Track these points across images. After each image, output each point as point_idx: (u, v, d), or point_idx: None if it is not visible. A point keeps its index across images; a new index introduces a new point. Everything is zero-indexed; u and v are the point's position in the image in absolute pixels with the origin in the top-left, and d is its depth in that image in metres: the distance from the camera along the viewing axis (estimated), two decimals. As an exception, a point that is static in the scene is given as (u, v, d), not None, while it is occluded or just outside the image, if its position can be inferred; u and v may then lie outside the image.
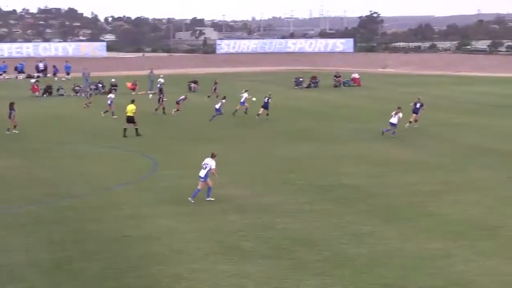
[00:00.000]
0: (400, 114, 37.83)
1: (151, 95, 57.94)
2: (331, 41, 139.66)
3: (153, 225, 20.82)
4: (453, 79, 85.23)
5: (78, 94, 62.32)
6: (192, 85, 66.82)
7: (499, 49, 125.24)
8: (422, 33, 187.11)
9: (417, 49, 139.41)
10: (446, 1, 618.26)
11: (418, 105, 41.46)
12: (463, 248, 18.27)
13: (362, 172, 28.41)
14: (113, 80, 64.05)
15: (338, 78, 75.13)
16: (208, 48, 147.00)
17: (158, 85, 58.83)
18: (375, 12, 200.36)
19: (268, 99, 45.21)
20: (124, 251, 18.49)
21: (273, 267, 17.05)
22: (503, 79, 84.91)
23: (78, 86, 64.27)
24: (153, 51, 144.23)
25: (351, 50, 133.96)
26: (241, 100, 46.79)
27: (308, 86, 72.60)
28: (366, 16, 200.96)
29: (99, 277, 16.65)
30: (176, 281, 16.32)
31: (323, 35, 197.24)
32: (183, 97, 48.39)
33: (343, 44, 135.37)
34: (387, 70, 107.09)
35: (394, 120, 37.58)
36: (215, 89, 58.19)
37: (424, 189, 25.15)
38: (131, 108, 38.40)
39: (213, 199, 23.59)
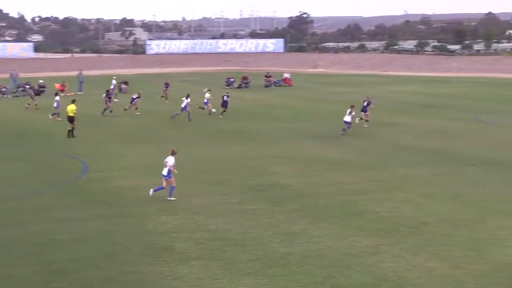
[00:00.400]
0: (353, 113, 38.80)
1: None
2: (261, 41, 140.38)
3: (83, 228, 20.52)
4: (382, 78, 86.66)
5: (5, 96, 61.08)
6: (123, 86, 66.19)
7: (425, 49, 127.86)
8: (351, 33, 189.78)
9: (347, 49, 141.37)
10: (374, 2, 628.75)
11: (365, 103, 42.47)
12: (392, 245, 18.59)
13: (293, 172, 28.60)
14: (41, 81, 62.96)
15: (269, 78, 75.46)
16: (138, 49, 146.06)
17: (112, 86, 58.49)
18: (305, 13, 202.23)
19: (227, 98, 46.57)
20: (53, 255, 18.17)
21: (206, 268, 17.02)
22: (429, 78, 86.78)
23: (4, 87, 62.92)
24: (82, 51, 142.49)
25: (282, 50, 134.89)
26: (204, 101, 47.09)
27: (239, 86, 72.70)
28: (296, 16, 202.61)
29: (26, 282, 16.32)
30: (107, 284, 16.14)
31: (253, 35, 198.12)
32: (135, 95, 47.89)
33: (273, 44, 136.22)
34: (317, 70, 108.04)
35: (348, 118, 38.38)
36: (166, 89, 58.42)
37: (354, 188, 25.48)
38: (71, 108, 37.97)
39: (174, 198, 23.57)
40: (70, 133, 37.45)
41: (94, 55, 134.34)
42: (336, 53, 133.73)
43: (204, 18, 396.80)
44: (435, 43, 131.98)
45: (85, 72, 67.77)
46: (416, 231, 19.88)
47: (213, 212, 22.20)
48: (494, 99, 58.82)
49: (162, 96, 57.54)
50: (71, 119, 37.70)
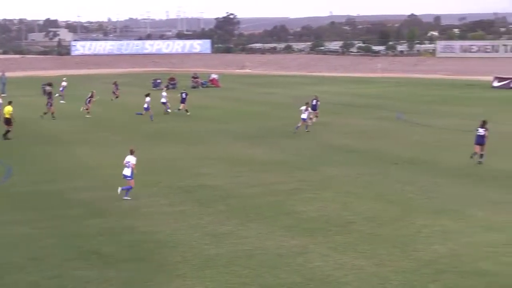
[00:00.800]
0: (310, 109, 40.70)
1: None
2: (188, 42, 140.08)
3: (8, 233, 20.13)
4: (308, 79, 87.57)
5: None
6: (47, 87, 65.02)
7: (351, 50, 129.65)
8: (278, 34, 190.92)
9: (273, 50, 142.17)
10: (300, 3, 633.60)
11: (314, 102, 44.22)
12: (319, 244, 18.82)
13: (222, 173, 28.66)
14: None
15: (196, 79, 75.40)
16: (63, 50, 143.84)
17: (61, 89, 57.91)
18: (232, 14, 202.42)
19: (186, 95, 49.15)
20: (-23, 261, 17.76)
21: (135, 270, 16.91)
22: (354, 79, 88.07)
23: None
24: (4, 52, 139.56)
25: (209, 51, 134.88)
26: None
27: (166, 88, 72.37)
28: (223, 17, 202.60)
29: (-50, 289, 15.95)
30: (33, 289, 15.88)
31: (180, 36, 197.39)
32: (90, 95, 47.43)
33: (200, 45, 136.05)
34: (244, 71, 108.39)
35: (304, 115, 39.82)
36: (116, 89, 59.04)
37: (283, 188, 25.67)
38: (8, 110, 37.90)
39: (129, 198, 23.53)
40: (4, 135, 36.83)
41: (17, 56, 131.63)
42: (263, 54, 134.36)
43: (130, 19, 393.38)
44: (360, 44, 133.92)
45: (8, 74, 66.33)
46: (343, 230, 20.18)
47: (142, 214, 22.08)
48: (417, 99, 60.11)
49: (116, 97, 57.47)
50: (7, 121, 37.54)
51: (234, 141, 37.12)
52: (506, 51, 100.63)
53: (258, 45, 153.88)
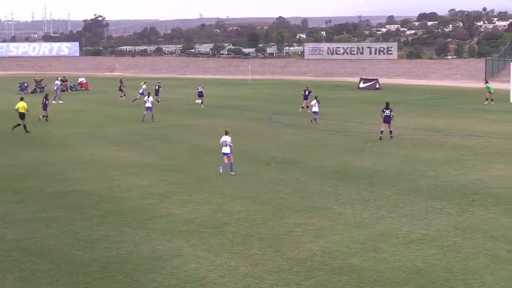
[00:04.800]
0: (319, 102, 45.10)
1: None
2: (56, 45, 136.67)
3: None
4: (179, 81, 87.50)
5: None
6: None
7: (221, 52, 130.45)
8: (148, 37, 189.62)
9: (144, 53, 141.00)
10: (169, 5, 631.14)
11: (307, 93, 50.47)
12: (194, 246, 18.83)
13: (93, 177, 28.18)
14: None
15: (65, 83, 73.80)
16: None
17: (55, 88, 57.83)
18: (100, 16, 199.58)
19: (159, 87, 57.94)
20: None
21: (2, 280, 16.32)
22: (225, 81, 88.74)
23: None
24: None
25: (77, 53, 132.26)
26: (140, 91, 49.96)
27: (34, 91, 70.53)
28: (91, 19, 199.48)
29: None
30: None
31: (47, 38, 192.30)
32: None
33: (68, 48, 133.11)
34: (115, 74, 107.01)
35: (315, 109, 44.39)
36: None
37: (156, 191, 25.53)
38: (21, 105, 41.25)
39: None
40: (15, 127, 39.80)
41: None
42: (133, 57, 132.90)
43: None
44: (230, 46, 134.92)
45: None
46: (217, 231, 20.28)
47: (10, 222, 21.37)
48: (287, 100, 61.25)
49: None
50: (21, 115, 40.18)
51: (105, 144, 36.60)
52: (370, 53, 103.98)
53: (128, 48, 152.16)
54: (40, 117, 46.28)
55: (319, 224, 20.83)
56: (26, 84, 71.81)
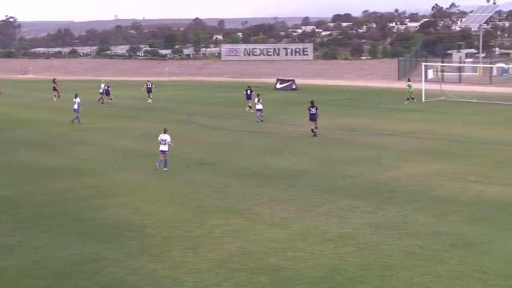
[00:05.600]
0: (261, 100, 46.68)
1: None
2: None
3: None
4: (95, 83, 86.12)
5: None
6: None
7: (138, 53, 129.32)
8: (62, 38, 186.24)
9: (58, 54, 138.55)
10: (84, 7, 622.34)
11: (249, 92, 51.71)
12: (113, 250, 18.65)
13: (8, 182, 27.58)
14: None
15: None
16: None
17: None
18: (12, 17, 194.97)
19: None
20: None
21: None
22: (142, 83, 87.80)
23: None
24: None
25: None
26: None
27: None
28: (2, 20, 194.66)
29: None
30: None
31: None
32: None
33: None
34: (27, 76, 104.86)
35: (259, 106, 46.20)
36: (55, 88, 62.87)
37: (74, 195, 25.16)
38: None
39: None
40: None
41: None
42: (47, 59, 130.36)
43: None
44: (147, 48, 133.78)
45: None
46: (136, 234, 20.13)
47: None
48: (204, 102, 61.25)
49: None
50: None
51: (19, 148, 35.85)
52: (287, 54, 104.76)
53: (42, 50, 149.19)
54: None
55: (238, 225, 20.92)
56: None
